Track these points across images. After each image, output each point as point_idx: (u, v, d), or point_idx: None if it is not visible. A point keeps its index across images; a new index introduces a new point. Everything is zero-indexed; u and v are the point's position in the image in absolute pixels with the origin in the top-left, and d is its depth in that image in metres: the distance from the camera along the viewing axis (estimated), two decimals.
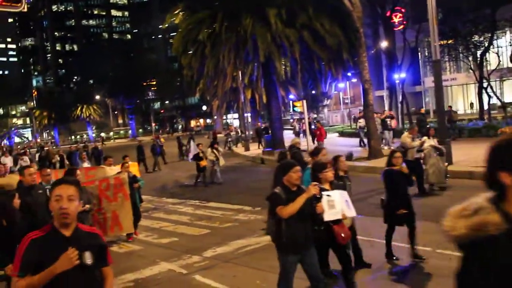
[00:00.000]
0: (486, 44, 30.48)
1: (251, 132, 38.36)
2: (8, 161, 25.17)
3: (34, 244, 3.16)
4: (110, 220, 10.12)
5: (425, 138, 13.35)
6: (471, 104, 47.60)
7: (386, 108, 34.45)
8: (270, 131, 31.01)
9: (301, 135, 29.86)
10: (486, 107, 32.23)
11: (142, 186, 12.01)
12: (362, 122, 25.40)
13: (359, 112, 30.00)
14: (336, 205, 5.76)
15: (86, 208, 7.86)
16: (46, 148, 39.53)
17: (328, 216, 5.66)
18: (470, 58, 32.43)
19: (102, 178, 10.49)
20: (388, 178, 7.82)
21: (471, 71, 33.00)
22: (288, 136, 32.67)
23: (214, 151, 19.39)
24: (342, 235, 5.88)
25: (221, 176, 19.52)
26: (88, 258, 3.20)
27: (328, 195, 5.68)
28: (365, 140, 25.00)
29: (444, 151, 13.52)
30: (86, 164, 14.84)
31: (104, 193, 10.22)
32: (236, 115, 78.43)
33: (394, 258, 7.78)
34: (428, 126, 14.79)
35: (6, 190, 7.87)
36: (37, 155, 33.74)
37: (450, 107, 29.25)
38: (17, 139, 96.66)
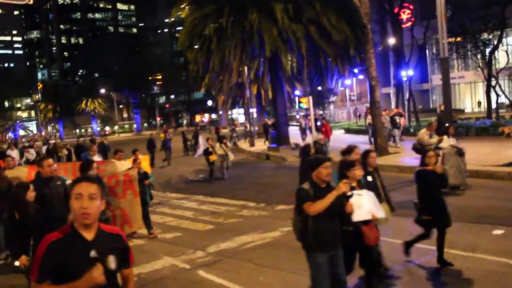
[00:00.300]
0: (495, 42, 30.25)
1: (256, 128, 38.25)
2: (14, 154, 25.00)
3: (53, 247, 2.96)
4: (119, 217, 9.87)
5: (444, 136, 12.90)
6: (479, 103, 47.35)
7: (393, 105, 34.32)
8: (275, 127, 30.88)
9: (307, 131, 29.64)
10: (494, 105, 32.01)
11: (153, 183, 11.85)
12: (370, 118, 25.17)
13: (368, 109, 29.58)
14: (365, 205, 5.56)
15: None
16: (52, 142, 39.52)
17: (357, 216, 5.45)
18: (479, 56, 32.20)
19: (111, 174, 10.25)
20: (420, 178, 7.47)
21: (479, 69, 32.80)
22: (294, 133, 32.59)
23: (223, 146, 19.13)
24: (371, 237, 5.72)
25: (227, 172, 19.23)
26: (112, 262, 3.03)
27: (358, 194, 5.48)
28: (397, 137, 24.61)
29: (464, 151, 12.81)
30: (96, 159, 14.40)
31: (113, 190, 9.92)
32: (241, 111, 78.49)
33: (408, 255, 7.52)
34: (447, 124, 14.23)
35: (23, 182, 7.60)
36: (43, 148, 33.65)
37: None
38: (21, 132, 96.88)
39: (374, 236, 5.81)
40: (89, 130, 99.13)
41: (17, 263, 6.23)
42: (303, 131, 31.39)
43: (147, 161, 14.24)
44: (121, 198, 9.97)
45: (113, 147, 21.67)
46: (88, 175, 7.79)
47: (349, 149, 7.24)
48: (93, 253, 2.92)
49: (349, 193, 5.23)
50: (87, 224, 3.02)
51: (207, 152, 19.09)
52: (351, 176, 5.78)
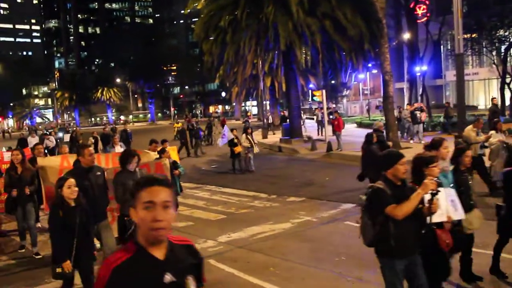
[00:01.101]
0: (511, 39, 30.01)
1: (270, 120, 38.37)
2: (35, 141, 25.15)
3: (118, 274, 2.30)
4: None
5: (492, 132, 11.98)
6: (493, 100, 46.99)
7: (406, 100, 34.19)
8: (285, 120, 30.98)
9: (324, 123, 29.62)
10: (508, 102, 31.79)
11: (183, 174, 11.49)
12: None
13: (421, 102, 28.88)
14: (441, 205, 4.89)
15: None
16: (74, 129, 39.87)
17: (432, 218, 4.80)
18: (494, 53, 31.97)
19: (142, 164, 9.62)
20: (510, 180, 6.50)
21: (494, 66, 32.54)
22: (310, 125, 32.60)
23: (249, 137, 18.56)
24: (446, 241, 5.12)
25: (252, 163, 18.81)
26: (192, 285, 2.42)
27: (438, 192, 4.72)
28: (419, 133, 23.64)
29: None
30: (119, 148, 14.05)
31: None
32: (254, 103, 78.57)
33: (503, 275, 6.63)
34: (496, 120, 13.33)
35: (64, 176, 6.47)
36: (66, 136, 33.71)
37: (448, 103, 28.79)
38: (38, 119, 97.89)
39: (448, 240, 5.17)
40: (104, 118, 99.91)
41: (58, 270, 5.57)
42: (319, 124, 31.26)
43: (175, 151, 13.83)
44: None
45: (136, 135, 21.44)
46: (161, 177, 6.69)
47: (437, 143, 6.25)
48: (168, 278, 2.33)
49: (435, 191, 4.61)
50: (160, 241, 2.35)
51: (232, 143, 18.47)
52: (429, 174, 5.01)
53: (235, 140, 18.38)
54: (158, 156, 10.27)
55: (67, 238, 5.57)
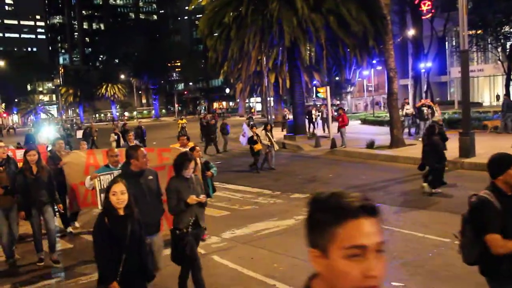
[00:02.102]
0: None
1: (273, 117, 38.34)
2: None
3: None
4: None
5: None
6: (497, 96, 46.80)
7: (410, 97, 34.11)
8: (293, 117, 30.91)
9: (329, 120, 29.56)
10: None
11: (216, 175, 10.59)
12: (409, 109, 24.16)
13: (406, 99, 28.62)
14: None
15: (202, 200, 6.11)
16: (88, 125, 39.67)
17: None
18: (499, 49, 31.88)
19: (172, 164, 8.87)
20: None
21: (499, 62, 32.45)
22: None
23: (268, 134, 17.79)
24: None
25: (244, 160, 18.80)
26: None
27: None
28: (413, 130, 23.83)
29: None
30: None
31: None
32: (258, 99, 78.52)
33: None
34: None
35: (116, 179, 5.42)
36: (78, 132, 33.28)
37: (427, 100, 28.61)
38: (43, 115, 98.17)
39: None
40: (109, 114, 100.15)
41: None
42: (324, 120, 31.16)
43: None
44: None
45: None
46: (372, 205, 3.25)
47: None
48: None
49: None
50: None
51: (252, 141, 17.71)
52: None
53: (255, 138, 17.71)
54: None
55: (115, 253, 4.59)
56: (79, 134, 32.19)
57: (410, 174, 14.59)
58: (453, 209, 9.75)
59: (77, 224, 10.55)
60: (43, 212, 8.12)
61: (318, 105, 43.05)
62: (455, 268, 6.77)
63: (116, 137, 21.71)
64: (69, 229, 10.21)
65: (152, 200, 6.02)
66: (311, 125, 31.16)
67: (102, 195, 6.92)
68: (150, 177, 6.11)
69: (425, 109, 21.94)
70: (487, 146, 17.21)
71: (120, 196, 4.62)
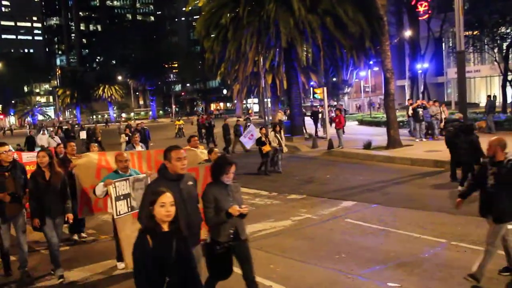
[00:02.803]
0: None
1: (270, 117, 38.33)
2: (45, 138, 24.37)
3: None
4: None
5: None
6: (494, 97, 47.03)
7: (407, 97, 34.14)
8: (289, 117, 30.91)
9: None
10: (509, 100, 31.79)
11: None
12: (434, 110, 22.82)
13: (410, 99, 28.26)
14: None
15: (244, 211, 5.28)
16: (92, 125, 39.02)
17: None
18: (496, 50, 31.95)
19: (190, 167, 7.50)
20: None
21: (495, 63, 32.52)
22: (310, 123, 32.47)
23: (277, 135, 17.16)
24: None
25: (245, 161, 18.31)
26: None
27: None
28: (418, 132, 22.49)
29: None
30: (139, 149, 12.37)
31: None
32: (256, 100, 78.60)
33: None
34: None
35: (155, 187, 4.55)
36: (81, 133, 32.40)
37: (435, 100, 28.27)
38: (40, 117, 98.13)
39: None
40: (106, 116, 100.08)
41: None
42: (323, 121, 30.91)
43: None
44: (200, 195, 7.40)
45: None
46: None
47: None
48: None
49: None
50: None
51: (260, 142, 16.96)
52: None
53: (263, 139, 16.94)
54: (205, 157, 8.98)
55: (157, 277, 3.74)
56: (83, 135, 31.65)
57: (407, 174, 14.63)
58: (449, 210, 9.78)
59: (84, 235, 9.80)
60: (55, 223, 7.40)
61: (317, 106, 43.07)
62: (451, 268, 6.79)
63: (127, 138, 20.32)
64: (75, 236, 9.58)
65: (192, 209, 5.23)
66: (317, 125, 30.61)
67: (119, 203, 6.69)
68: (190, 182, 5.29)
69: (420, 111, 21.83)
70: (483, 147, 17.27)
71: (170, 208, 3.83)
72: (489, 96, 25.29)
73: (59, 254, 7.42)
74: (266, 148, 16.70)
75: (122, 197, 6.73)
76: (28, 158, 9.82)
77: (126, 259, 6.66)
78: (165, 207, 3.81)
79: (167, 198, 3.85)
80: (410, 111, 22.95)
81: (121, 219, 6.69)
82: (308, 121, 31.82)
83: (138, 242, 3.81)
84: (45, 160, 7.37)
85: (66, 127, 37.00)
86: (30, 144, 25.27)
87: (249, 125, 22.65)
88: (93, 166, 8.06)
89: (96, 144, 14.62)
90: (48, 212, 7.28)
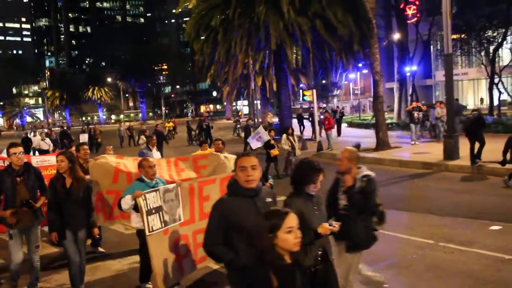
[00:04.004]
0: (500, 40, 30.26)
1: (260, 119, 38.36)
2: (37, 140, 23.83)
3: None
4: None
5: None
6: (481, 100, 47.35)
7: (396, 100, 34.31)
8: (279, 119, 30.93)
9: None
10: (496, 103, 32.09)
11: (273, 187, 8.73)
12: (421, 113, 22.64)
13: (411, 102, 27.94)
14: None
15: (336, 228, 4.29)
16: (91, 127, 37.91)
17: None
18: (483, 53, 32.23)
19: (223, 176, 6.60)
20: None
21: (482, 66, 32.80)
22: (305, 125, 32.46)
23: (290, 138, 16.58)
24: None
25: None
26: None
27: None
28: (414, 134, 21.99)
29: None
30: (155, 152, 11.32)
31: None
32: (246, 102, 78.62)
33: None
34: None
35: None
36: (81, 136, 29.31)
37: (441, 102, 28.29)
38: (29, 119, 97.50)
39: None
40: (95, 118, 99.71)
41: None
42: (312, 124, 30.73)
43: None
44: None
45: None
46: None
47: None
48: None
49: None
50: None
51: (269, 145, 16.14)
52: None
53: (272, 142, 16.31)
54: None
55: None
56: (83, 138, 28.65)
57: (395, 176, 14.74)
58: (437, 211, 9.90)
59: (101, 249, 8.66)
60: (77, 238, 6.44)
61: (311, 109, 43.22)
62: (439, 269, 6.85)
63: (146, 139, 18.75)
64: (100, 249, 8.62)
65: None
66: (301, 128, 30.36)
67: (151, 218, 5.71)
68: (269, 199, 4.07)
69: (415, 113, 21.71)
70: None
71: (298, 232, 3.01)
72: (456, 99, 25.32)
73: (79, 274, 6.47)
74: (274, 152, 16.13)
75: (153, 211, 5.77)
76: (39, 163, 8.75)
77: (158, 282, 5.71)
78: (293, 233, 2.98)
79: (294, 220, 3.02)
80: (420, 114, 22.51)
81: (153, 236, 5.68)
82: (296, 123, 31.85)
83: (261, 282, 3.00)
84: (64, 165, 6.35)
85: (60, 129, 35.78)
86: (26, 146, 24.64)
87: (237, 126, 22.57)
88: (110, 169, 7.29)
89: (111, 147, 13.48)
90: (68, 225, 6.30)
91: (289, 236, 2.95)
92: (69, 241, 6.30)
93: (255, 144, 17.12)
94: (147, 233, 5.62)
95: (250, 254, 3.23)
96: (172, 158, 8.03)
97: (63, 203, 6.28)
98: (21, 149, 6.55)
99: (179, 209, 6.08)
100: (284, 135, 16.72)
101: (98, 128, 33.44)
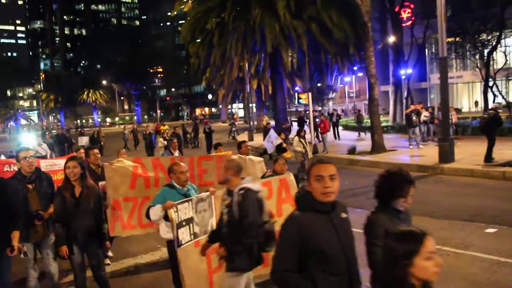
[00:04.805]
0: (494, 43, 30.40)
1: (255, 123, 38.38)
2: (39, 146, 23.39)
3: None
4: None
5: None
6: (476, 103, 47.55)
7: (391, 103, 34.39)
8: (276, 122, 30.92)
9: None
10: (490, 106, 32.22)
11: None
12: (427, 115, 22.46)
13: (416, 104, 27.56)
14: None
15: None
16: (95, 129, 37.45)
17: None
18: (477, 56, 32.37)
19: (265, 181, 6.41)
20: None
21: (477, 69, 32.94)
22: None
23: (302, 140, 15.99)
24: None
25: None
26: None
27: None
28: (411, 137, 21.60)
29: None
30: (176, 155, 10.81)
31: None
32: (241, 105, 78.70)
33: None
34: None
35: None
36: (80, 139, 29.11)
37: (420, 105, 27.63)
38: (23, 121, 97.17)
39: None
40: (90, 121, 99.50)
41: None
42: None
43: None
44: (275, 215, 5.84)
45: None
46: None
47: None
48: None
49: None
50: None
51: (280, 149, 15.93)
52: None
53: (284, 145, 16.21)
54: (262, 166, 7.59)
55: None
56: (82, 141, 28.14)
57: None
58: (433, 214, 9.90)
59: (108, 261, 7.81)
60: (86, 250, 5.80)
61: (307, 112, 43.27)
62: None
63: (166, 142, 16.87)
64: (109, 254, 8.01)
65: (352, 254, 3.37)
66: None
67: (181, 230, 5.30)
68: (344, 214, 3.31)
69: (414, 116, 21.04)
70: (466, 152, 17.50)
71: (438, 259, 2.54)
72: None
73: None
74: (287, 155, 15.39)
75: (184, 223, 5.32)
76: (48, 167, 8.30)
77: None
78: (434, 260, 2.49)
79: (433, 244, 2.50)
80: (425, 118, 22.29)
81: (183, 249, 5.28)
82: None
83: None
84: (76, 171, 5.64)
85: (56, 132, 34.81)
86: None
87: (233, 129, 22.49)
88: (128, 174, 6.79)
89: (124, 150, 13.37)
90: (75, 238, 5.65)
91: (427, 264, 2.46)
92: (76, 255, 5.69)
93: (270, 147, 16.83)
94: (176, 247, 5.24)
95: (331, 285, 2.92)
96: (196, 157, 7.44)
97: (72, 214, 5.60)
98: (32, 153, 6.00)
99: (212, 219, 5.62)
100: (296, 138, 16.15)
101: (102, 130, 32.37)
